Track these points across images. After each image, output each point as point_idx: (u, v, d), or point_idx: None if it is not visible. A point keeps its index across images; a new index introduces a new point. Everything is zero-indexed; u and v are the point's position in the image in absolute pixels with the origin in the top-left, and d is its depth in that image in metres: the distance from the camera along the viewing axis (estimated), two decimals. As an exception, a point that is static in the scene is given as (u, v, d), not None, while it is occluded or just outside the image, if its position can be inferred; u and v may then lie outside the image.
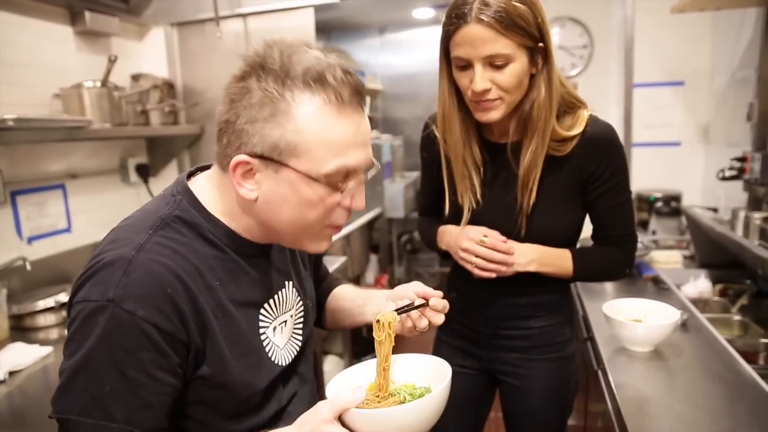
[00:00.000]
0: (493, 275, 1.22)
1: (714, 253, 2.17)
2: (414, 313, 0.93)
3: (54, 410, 0.73)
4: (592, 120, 1.20)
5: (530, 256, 1.23)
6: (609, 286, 1.99)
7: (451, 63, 1.17)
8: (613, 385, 1.26)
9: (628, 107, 2.91)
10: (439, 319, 0.94)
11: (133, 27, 2.51)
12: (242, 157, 0.75)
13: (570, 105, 1.22)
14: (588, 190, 1.24)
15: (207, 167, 0.89)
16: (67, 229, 2.13)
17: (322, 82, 0.74)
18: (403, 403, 0.83)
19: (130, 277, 0.71)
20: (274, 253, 0.93)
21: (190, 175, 0.88)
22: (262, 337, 0.87)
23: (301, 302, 0.98)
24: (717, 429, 1.07)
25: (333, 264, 2.53)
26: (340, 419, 0.76)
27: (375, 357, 0.90)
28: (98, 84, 2.02)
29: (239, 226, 0.84)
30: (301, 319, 0.98)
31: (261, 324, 0.87)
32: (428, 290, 0.95)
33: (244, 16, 2.53)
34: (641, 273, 2.05)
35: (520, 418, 1.41)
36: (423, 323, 0.94)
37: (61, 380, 0.73)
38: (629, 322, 1.42)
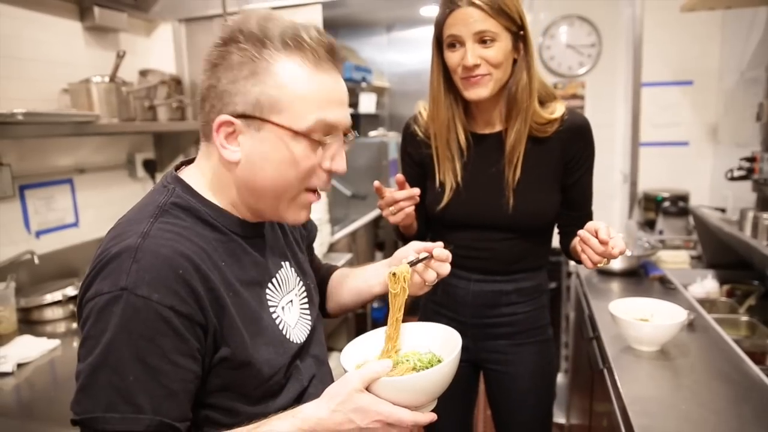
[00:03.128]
0: (405, 212, 1.24)
1: (721, 254, 2.15)
2: (419, 267, 0.96)
3: (75, 412, 0.70)
4: (569, 110, 1.36)
5: None
6: (615, 285, 1.98)
7: (442, 49, 1.28)
8: (619, 385, 1.26)
9: (636, 106, 2.89)
10: (446, 268, 0.97)
11: (142, 23, 2.51)
12: (225, 117, 0.77)
13: (547, 97, 1.36)
14: (570, 170, 1.36)
15: (192, 161, 0.90)
16: (75, 224, 2.14)
17: (298, 41, 0.77)
18: (416, 368, 0.86)
19: (140, 263, 0.71)
20: (269, 235, 0.94)
21: (178, 168, 0.89)
22: (274, 315, 0.88)
23: (301, 282, 0.99)
24: (724, 429, 1.07)
25: (339, 261, 2.53)
26: (368, 389, 0.77)
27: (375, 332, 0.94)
28: (106, 79, 2.03)
29: (227, 202, 0.85)
30: (306, 299, 0.98)
31: (270, 303, 0.88)
32: (428, 244, 0.98)
33: (251, 12, 2.53)
34: (648, 273, 2.04)
35: (510, 403, 1.46)
36: (431, 276, 0.97)
37: (80, 381, 0.70)
38: (636, 322, 1.41)
